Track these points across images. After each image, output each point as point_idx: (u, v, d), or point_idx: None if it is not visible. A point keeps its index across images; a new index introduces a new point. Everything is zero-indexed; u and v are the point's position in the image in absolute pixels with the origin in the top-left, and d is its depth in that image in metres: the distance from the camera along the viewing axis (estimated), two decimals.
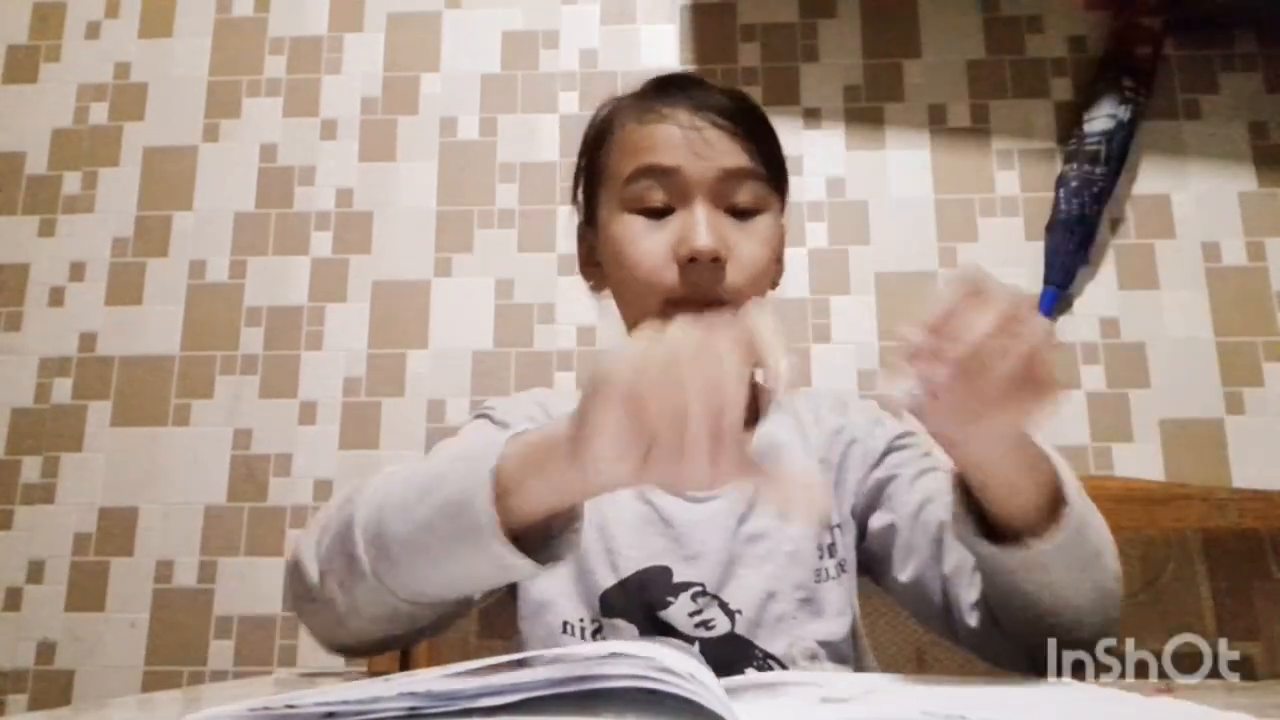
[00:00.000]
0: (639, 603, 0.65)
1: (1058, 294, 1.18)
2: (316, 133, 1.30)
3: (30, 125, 1.32)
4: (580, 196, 0.78)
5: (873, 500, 0.70)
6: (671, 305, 0.65)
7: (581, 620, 0.66)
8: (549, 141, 1.29)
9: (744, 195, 0.68)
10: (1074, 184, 1.19)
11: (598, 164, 0.74)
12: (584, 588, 0.67)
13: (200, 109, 1.32)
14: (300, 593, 0.53)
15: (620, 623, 0.65)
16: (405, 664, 0.96)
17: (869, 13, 1.30)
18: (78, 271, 1.27)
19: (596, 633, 0.66)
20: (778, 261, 0.74)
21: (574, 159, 1.32)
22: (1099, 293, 1.20)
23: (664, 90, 0.72)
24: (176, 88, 1.33)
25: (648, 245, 0.67)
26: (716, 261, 0.65)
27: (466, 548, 0.45)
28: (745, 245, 0.67)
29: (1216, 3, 1.22)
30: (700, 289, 0.65)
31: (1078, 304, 1.20)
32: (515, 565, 0.45)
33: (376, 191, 1.28)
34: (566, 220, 1.26)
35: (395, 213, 1.27)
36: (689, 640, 0.64)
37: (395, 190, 1.28)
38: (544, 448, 0.44)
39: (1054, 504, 0.51)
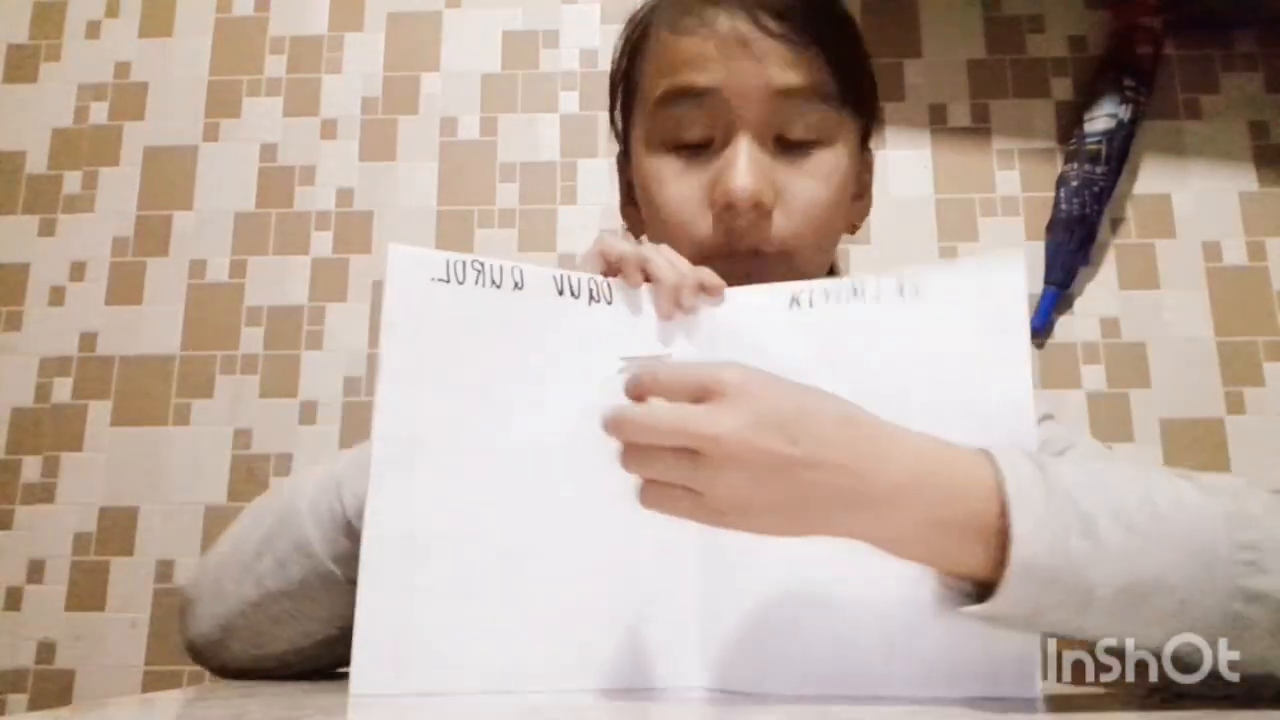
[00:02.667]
0: None
1: (1058, 294, 1.18)
2: (316, 133, 1.30)
3: (30, 125, 1.32)
4: (618, 119, 0.68)
5: None
6: (709, 259, 0.55)
7: None
8: (549, 141, 1.29)
9: (800, 124, 0.56)
10: (1074, 184, 1.19)
11: (631, 80, 0.63)
12: None
13: (200, 109, 1.32)
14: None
15: None
16: None
17: (869, 12, 1.30)
18: (78, 271, 1.27)
19: None
20: (859, 198, 0.64)
21: (574, 159, 1.32)
22: (1099, 292, 1.20)
23: None
24: (176, 87, 1.33)
25: (681, 189, 0.58)
26: (760, 207, 0.55)
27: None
28: (799, 186, 0.56)
29: (1216, 3, 1.22)
30: (740, 240, 0.56)
31: (1078, 304, 1.20)
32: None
33: (376, 191, 1.28)
34: (566, 220, 1.27)
35: (395, 213, 1.27)
36: None
37: (395, 190, 1.28)
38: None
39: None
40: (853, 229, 0.64)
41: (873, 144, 0.66)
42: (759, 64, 0.55)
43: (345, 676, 0.44)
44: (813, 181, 0.57)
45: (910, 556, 0.41)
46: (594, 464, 0.46)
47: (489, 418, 0.48)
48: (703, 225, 0.57)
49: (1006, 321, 0.48)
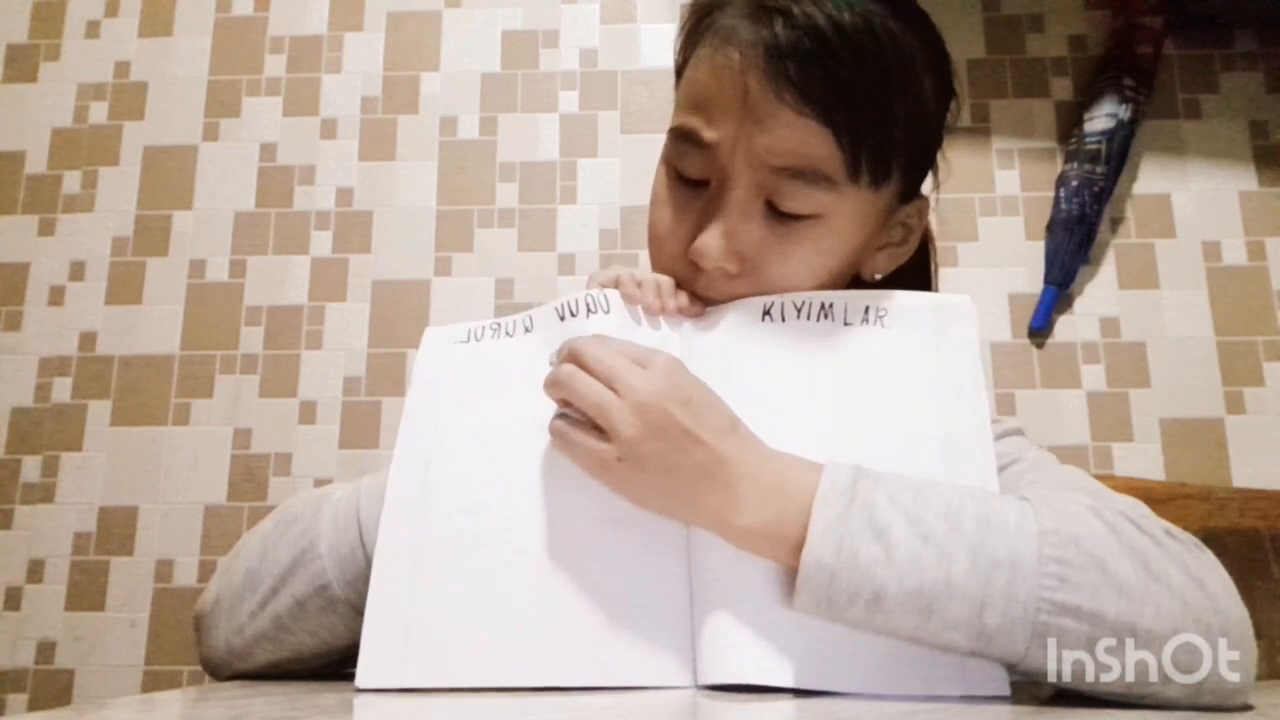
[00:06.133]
0: None
1: (1058, 293, 1.18)
2: (316, 132, 1.30)
3: (30, 125, 1.32)
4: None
5: None
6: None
7: None
8: (549, 141, 1.29)
9: (792, 199, 0.54)
10: (1074, 183, 1.19)
11: (680, 77, 0.61)
12: None
13: (200, 108, 1.32)
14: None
15: None
16: None
17: None
18: (78, 271, 1.27)
19: None
20: (900, 244, 0.61)
21: (574, 158, 1.32)
22: (1099, 292, 1.20)
23: (760, 11, 0.54)
24: (176, 87, 1.33)
25: (670, 218, 0.58)
26: (725, 270, 0.56)
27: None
28: (778, 257, 0.55)
29: (1216, 3, 1.22)
30: (705, 291, 0.57)
31: (1078, 304, 1.20)
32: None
33: (376, 191, 1.28)
34: (567, 220, 1.27)
35: (395, 212, 1.27)
36: None
37: (395, 190, 1.28)
38: None
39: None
40: (874, 276, 0.62)
41: (929, 187, 0.64)
42: (762, 134, 0.53)
43: (347, 676, 0.44)
44: (795, 256, 0.56)
45: (748, 547, 0.47)
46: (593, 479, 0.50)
47: (496, 437, 0.51)
48: (679, 261, 0.58)
49: (963, 360, 0.53)
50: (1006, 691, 0.45)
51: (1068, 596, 0.42)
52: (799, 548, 0.45)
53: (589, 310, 0.54)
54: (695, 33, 0.59)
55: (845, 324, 0.54)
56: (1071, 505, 0.46)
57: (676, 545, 0.49)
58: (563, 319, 0.54)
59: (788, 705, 0.44)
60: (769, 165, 0.54)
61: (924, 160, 0.61)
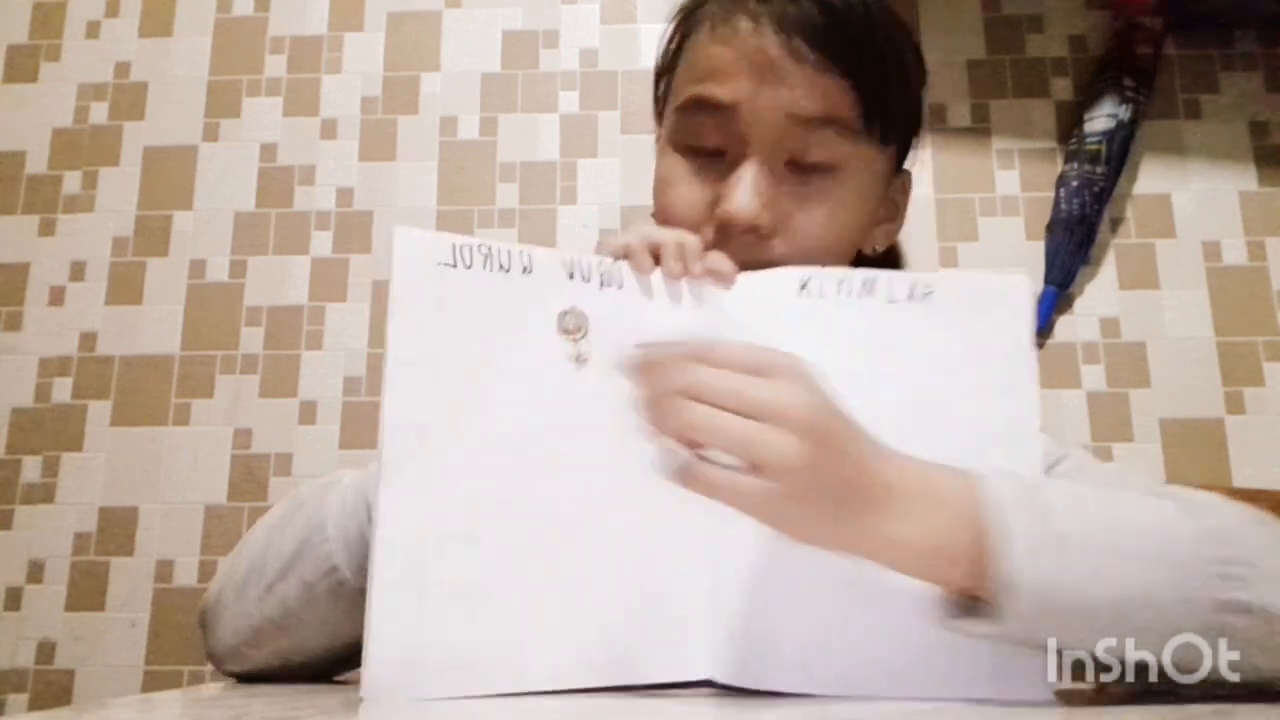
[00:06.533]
0: None
1: (1058, 294, 1.18)
2: (316, 132, 1.30)
3: (30, 125, 1.32)
4: (658, 111, 0.67)
5: None
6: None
7: None
8: (549, 141, 1.29)
9: (814, 151, 0.55)
10: (1074, 184, 1.19)
11: (672, 73, 0.62)
12: None
13: (200, 109, 1.32)
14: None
15: None
16: None
17: None
18: (78, 271, 1.27)
19: None
20: (890, 219, 0.63)
21: (574, 158, 1.32)
22: (1099, 293, 1.20)
23: None
24: (176, 87, 1.33)
25: (687, 194, 0.58)
26: (757, 230, 0.55)
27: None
28: (804, 213, 0.56)
29: (1216, 3, 1.22)
30: (736, 257, 0.54)
31: (1078, 304, 1.20)
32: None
33: (376, 191, 1.28)
34: (566, 220, 1.27)
35: (395, 212, 1.27)
36: None
37: (395, 190, 1.28)
38: None
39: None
40: (875, 250, 0.63)
41: (911, 164, 0.66)
42: (780, 87, 0.54)
43: (346, 679, 0.44)
44: (820, 209, 0.56)
45: (909, 569, 0.42)
46: (604, 454, 0.45)
47: (499, 408, 0.46)
48: (705, 233, 0.56)
49: (1014, 343, 0.50)
50: (1048, 695, 0.44)
51: (1238, 595, 0.41)
52: (970, 564, 0.40)
53: (603, 282, 0.49)
54: (686, 23, 0.61)
55: (889, 301, 0.50)
56: (1214, 501, 0.46)
57: (695, 537, 0.48)
58: (571, 277, 0.49)
59: (794, 705, 0.44)
60: (792, 116, 0.55)
61: (911, 130, 0.64)
